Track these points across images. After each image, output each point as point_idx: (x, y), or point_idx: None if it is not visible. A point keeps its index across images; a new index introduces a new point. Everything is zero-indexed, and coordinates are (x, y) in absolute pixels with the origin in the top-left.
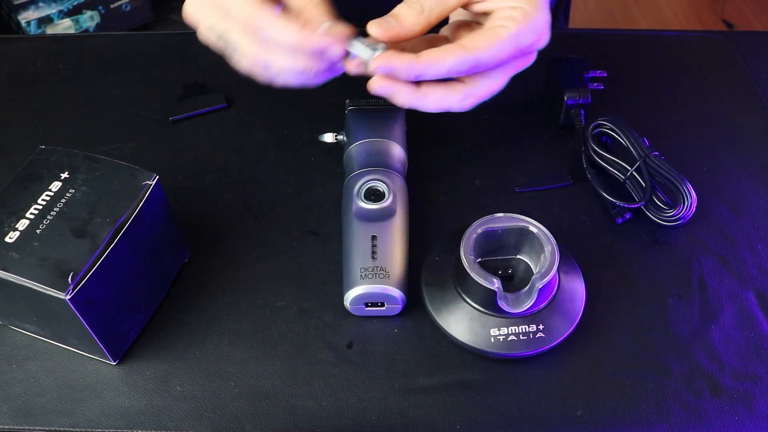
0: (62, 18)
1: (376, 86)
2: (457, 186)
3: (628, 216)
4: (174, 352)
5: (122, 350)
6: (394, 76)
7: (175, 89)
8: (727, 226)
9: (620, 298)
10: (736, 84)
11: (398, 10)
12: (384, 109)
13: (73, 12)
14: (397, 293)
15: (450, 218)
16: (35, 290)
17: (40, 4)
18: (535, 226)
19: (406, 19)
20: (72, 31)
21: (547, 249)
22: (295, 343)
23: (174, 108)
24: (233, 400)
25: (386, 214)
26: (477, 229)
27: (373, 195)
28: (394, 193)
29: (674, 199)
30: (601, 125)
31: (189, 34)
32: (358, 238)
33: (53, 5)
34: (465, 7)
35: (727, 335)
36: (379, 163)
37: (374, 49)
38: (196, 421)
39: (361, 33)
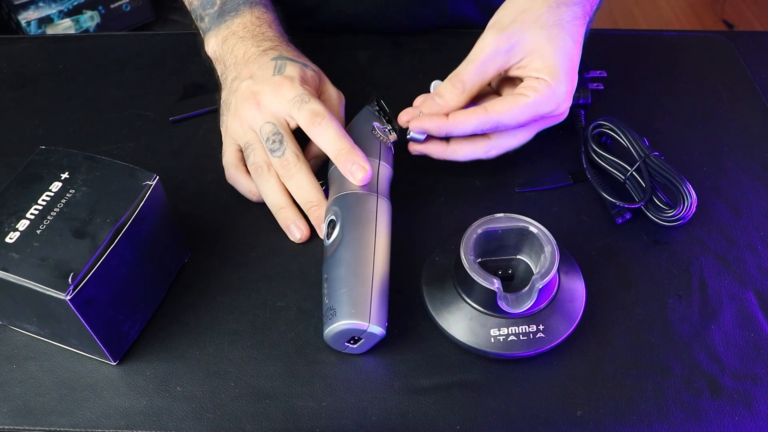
0: (62, 18)
1: (413, 151)
2: (457, 186)
3: (628, 216)
4: (174, 352)
5: (122, 350)
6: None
7: (175, 89)
8: (727, 226)
9: (620, 298)
10: (736, 84)
11: (443, 89)
12: (358, 123)
13: (73, 12)
14: (350, 325)
15: (450, 218)
16: (35, 290)
17: (40, 4)
18: (535, 227)
19: (451, 99)
20: (72, 31)
21: (547, 249)
22: (295, 343)
23: (174, 108)
24: (233, 400)
25: (334, 248)
26: (477, 229)
27: (330, 229)
28: (342, 221)
29: (674, 199)
30: (601, 125)
31: (189, 34)
32: (322, 284)
33: (53, 5)
34: (506, 73)
35: (727, 335)
36: (343, 186)
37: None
38: (196, 421)
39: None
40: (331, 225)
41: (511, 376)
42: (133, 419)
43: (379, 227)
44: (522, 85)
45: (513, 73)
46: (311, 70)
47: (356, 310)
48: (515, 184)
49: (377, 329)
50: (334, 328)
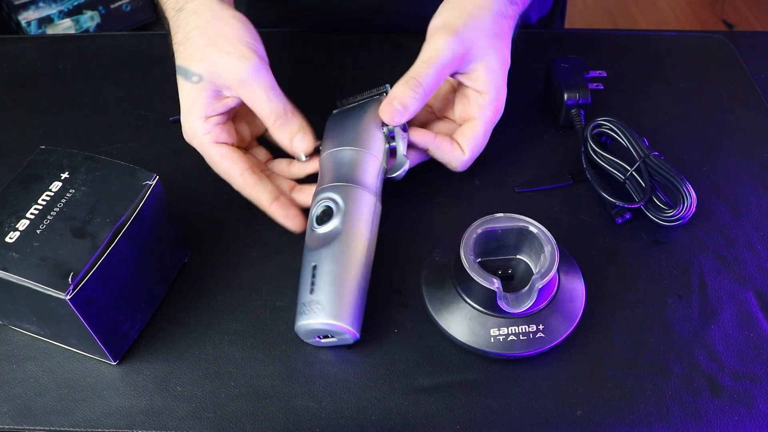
0: (62, 18)
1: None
2: (457, 186)
3: (628, 216)
4: (174, 352)
5: (122, 350)
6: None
7: (175, 89)
8: (726, 226)
9: (620, 298)
10: (736, 84)
11: (401, 93)
12: (367, 114)
13: (74, 12)
14: (334, 326)
15: (450, 218)
16: (35, 290)
17: (41, 5)
18: (534, 226)
19: (411, 104)
20: (72, 31)
21: (547, 249)
22: (295, 343)
23: (174, 108)
24: (233, 400)
25: (330, 239)
26: (477, 229)
27: (325, 216)
28: (343, 214)
29: (674, 199)
30: (600, 125)
31: None
32: (303, 268)
33: (53, 5)
34: (451, 76)
35: (727, 335)
36: (346, 176)
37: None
38: (196, 421)
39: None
40: (327, 212)
41: (510, 376)
42: (133, 419)
43: (374, 231)
44: (471, 103)
45: (457, 78)
46: (196, 76)
47: (341, 313)
48: (515, 184)
49: (355, 334)
50: (315, 323)
